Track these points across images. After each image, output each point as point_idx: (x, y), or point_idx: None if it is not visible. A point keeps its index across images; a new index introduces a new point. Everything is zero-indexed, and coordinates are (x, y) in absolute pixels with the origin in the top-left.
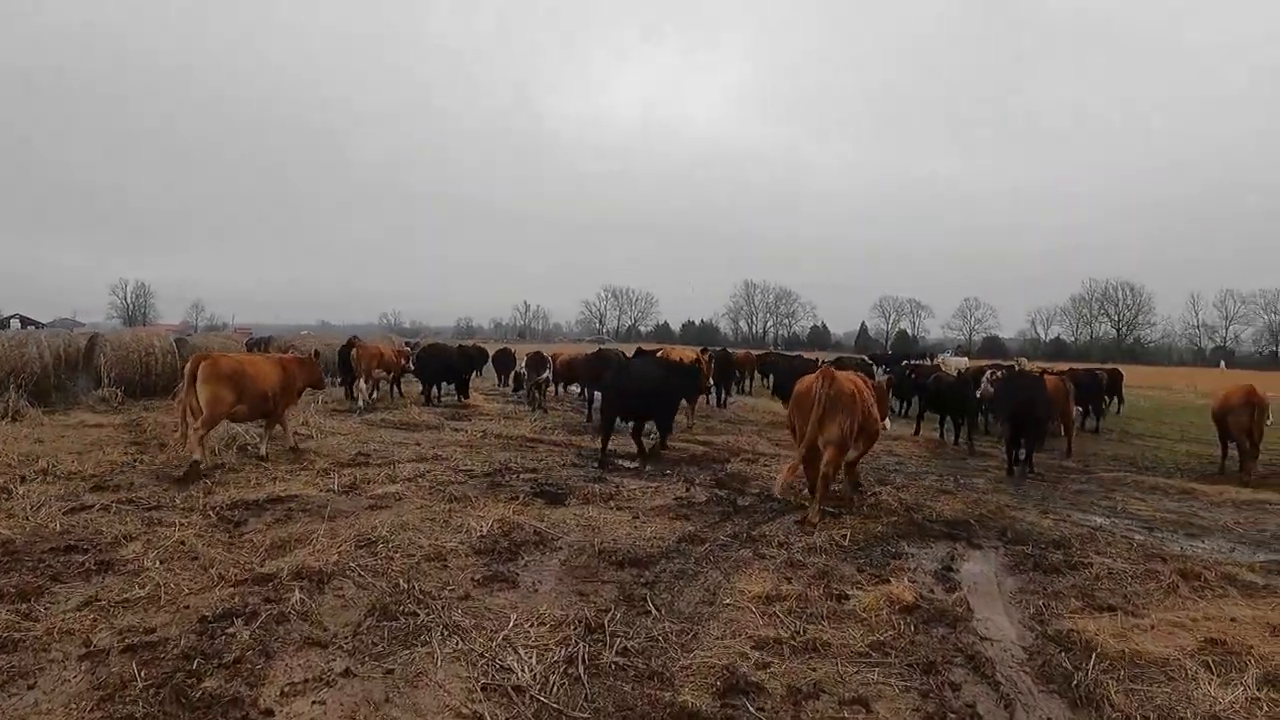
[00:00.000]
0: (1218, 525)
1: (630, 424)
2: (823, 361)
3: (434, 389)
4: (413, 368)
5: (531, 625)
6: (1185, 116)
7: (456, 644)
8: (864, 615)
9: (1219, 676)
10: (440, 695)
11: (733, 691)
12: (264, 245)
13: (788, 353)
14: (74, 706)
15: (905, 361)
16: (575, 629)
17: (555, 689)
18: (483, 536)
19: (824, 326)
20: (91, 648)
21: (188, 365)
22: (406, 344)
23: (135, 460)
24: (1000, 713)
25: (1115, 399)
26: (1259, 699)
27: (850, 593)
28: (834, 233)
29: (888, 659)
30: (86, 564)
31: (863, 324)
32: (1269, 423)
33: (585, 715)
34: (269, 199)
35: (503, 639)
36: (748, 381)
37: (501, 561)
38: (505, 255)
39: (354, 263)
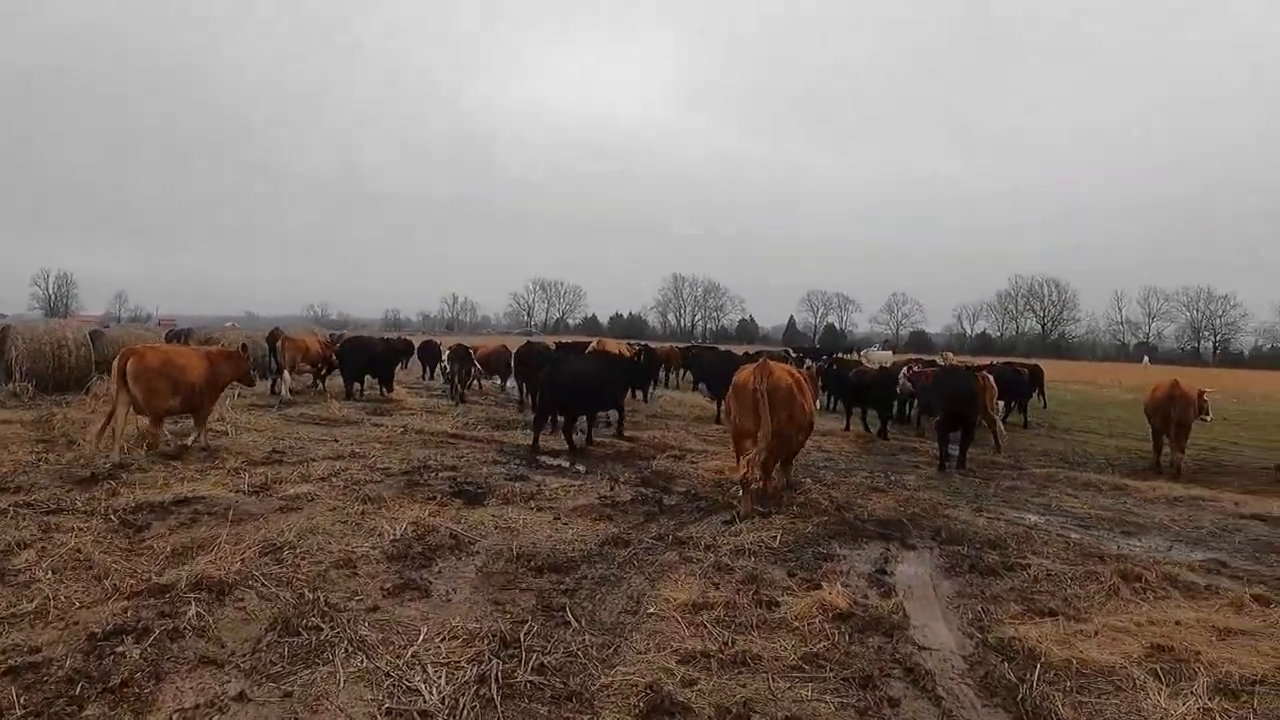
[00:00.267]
0: (1153, 522)
1: (562, 418)
2: (751, 354)
3: (357, 383)
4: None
5: (442, 639)
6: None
7: (361, 662)
8: (796, 624)
9: (1169, 686)
10: None
11: (657, 713)
12: (190, 237)
13: (711, 346)
14: None
15: (825, 356)
16: (489, 643)
17: (465, 713)
18: (396, 540)
19: (752, 320)
20: None
21: (115, 361)
22: (331, 336)
23: (40, 459)
24: None
25: (1037, 395)
26: (1211, 709)
27: (781, 599)
28: (756, 224)
29: (822, 673)
30: None
31: (790, 318)
32: (1208, 419)
33: None
34: (192, 189)
35: (411, 656)
36: (672, 376)
37: (414, 568)
38: (434, 248)
39: (281, 255)
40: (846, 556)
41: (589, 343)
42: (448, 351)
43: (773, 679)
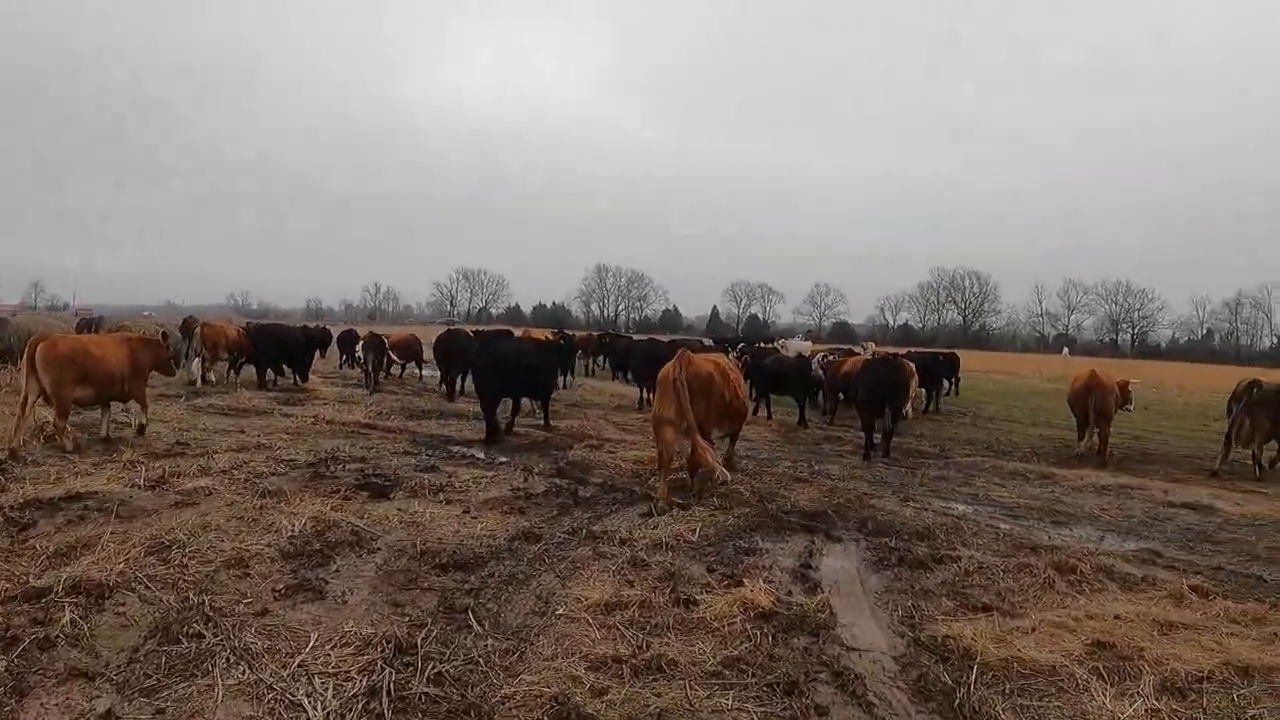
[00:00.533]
0: (1083, 511)
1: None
2: (674, 340)
3: (271, 372)
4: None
5: (333, 647)
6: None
7: (243, 674)
8: (715, 624)
9: (1113, 686)
10: None
11: None
12: (110, 225)
13: (623, 333)
14: None
15: (741, 345)
16: (383, 651)
17: None
18: (293, 537)
19: (675, 310)
20: None
21: (25, 349)
22: (248, 325)
23: None
24: None
25: (952, 382)
26: (1159, 710)
27: (700, 597)
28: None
29: (743, 678)
30: None
31: (714, 308)
32: (1129, 408)
33: None
34: (112, 177)
35: (298, 666)
36: (590, 364)
37: (311, 567)
38: (357, 237)
39: (203, 244)
40: (769, 550)
41: (508, 331)
42: (361, 340)
43: (690, 686)
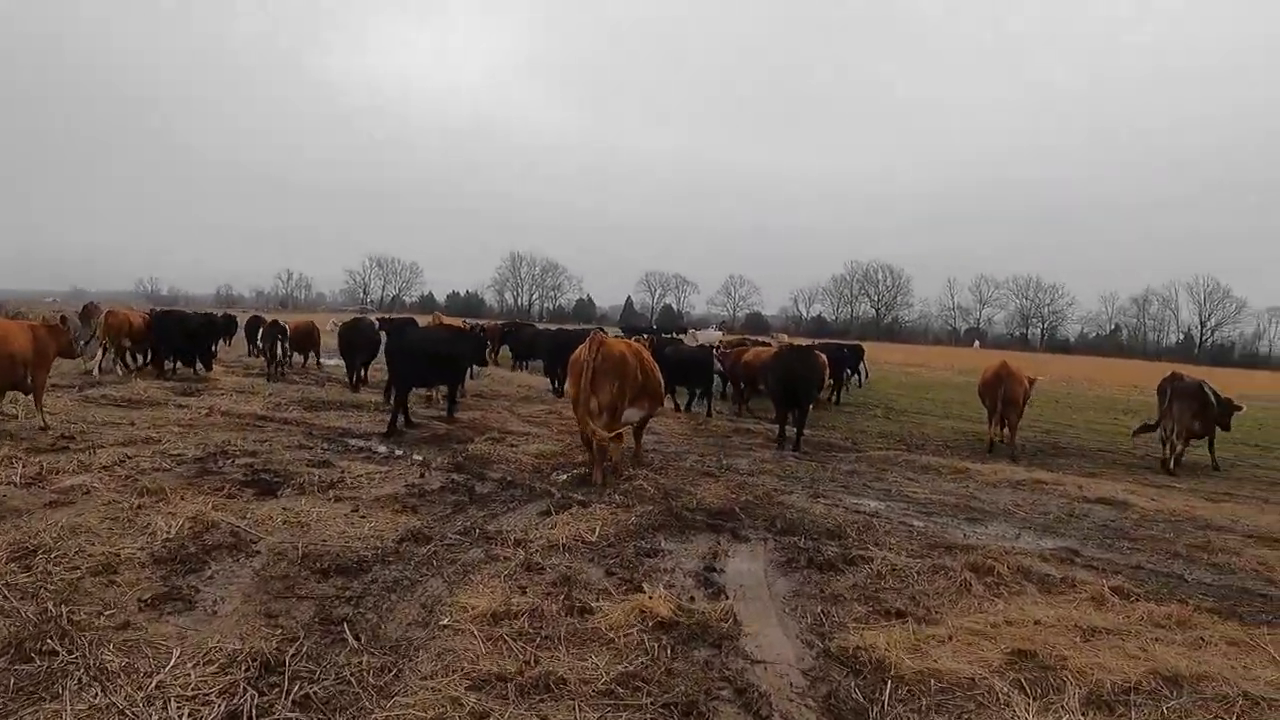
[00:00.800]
0: (998, 508)
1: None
2: (597, 330)
3: (171, 360)
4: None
5: (196, 665)
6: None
7: (95, 696)
8: (611, 635)
9: (1036, 700)
10: None
11: None
12: (14, 206)
13: (527, 322)
14: None
15: (647, 334)
16: (248, 669)
17: None
18: (168, 540)
19: (590, 300)
20: None
21: None
22: (151, 311)
23: None
24: None
25: (857, 373)
26: None
27: (596, 604)
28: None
29: (638, 697)
30: None
31: (628, 298)
32: (1029, 400)
33: None
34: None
35: (155, 687)
36: (494, 353)
37: (183, 573)
38: (267, 221)
39: (111, 227)
40: (672, 552)
41: (411, 319)
42: (261, 329)
43: (580, 707)
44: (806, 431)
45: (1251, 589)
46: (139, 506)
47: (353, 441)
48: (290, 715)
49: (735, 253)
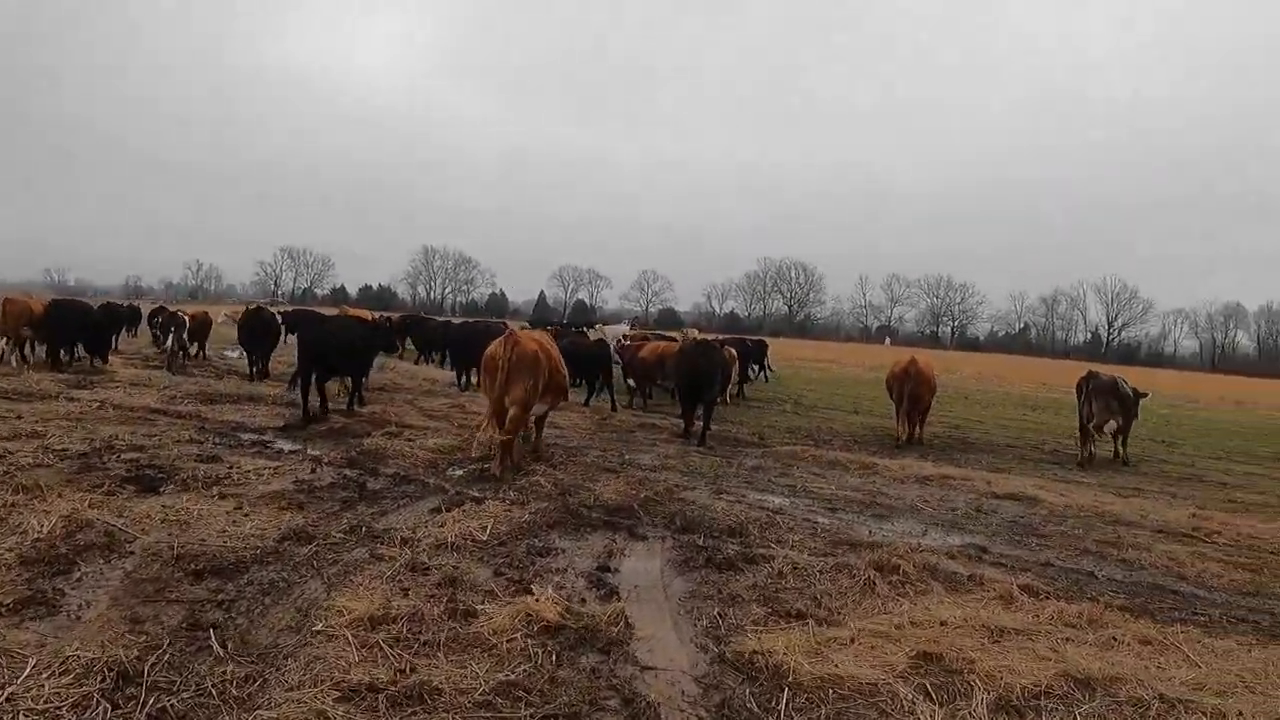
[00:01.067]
0: (905, 504)
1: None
2: (507, 324)
3: (66, 350)
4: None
5: (51, 676)
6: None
7: None
8: (494, 640)
9: (942, 706)
10: None
11: None
12: None
13: (428, 315)
14: None
15: (549, 327)
16: (104, 680)
17: None
18: (39, 540)
19: (502, 294)
20: None
21: None
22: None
23: None
24: None
25: (761, 368)
26: None
27: (480, 607)
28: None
29: (518, 708)
30: None
31: (541, 293)
32: (934, 394)
33: None
34: None
35: (5, 700)
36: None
37: (50, 575)
38: (179, 212)
39: (17, 213)
40: (566, 550)
41: (311, 311)
42: (159, 320)
43: None
44: (713, 427)
45: (1163, 585)
46: (13, 504)
47: (246, 436)
48: None
49: (650, 249)
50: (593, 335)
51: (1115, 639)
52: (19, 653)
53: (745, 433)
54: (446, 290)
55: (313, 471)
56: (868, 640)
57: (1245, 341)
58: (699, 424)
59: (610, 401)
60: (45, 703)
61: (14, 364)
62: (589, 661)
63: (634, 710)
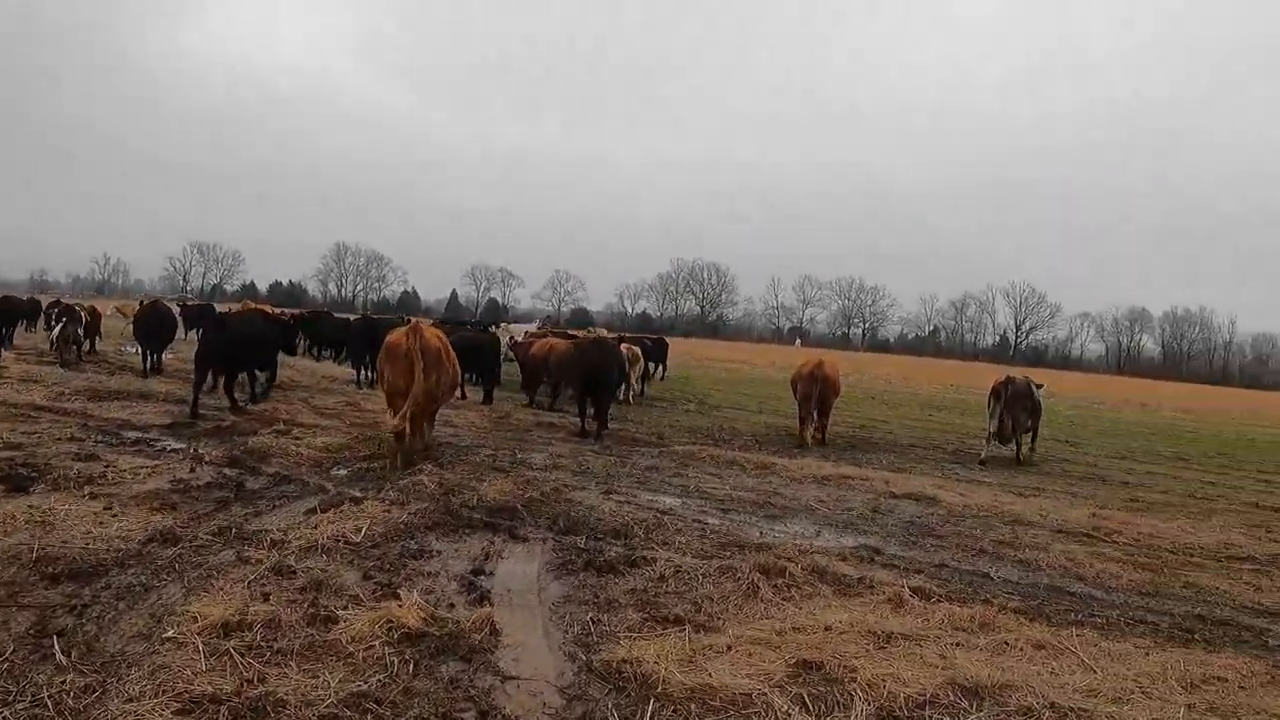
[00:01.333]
0: (800, 505)
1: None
2: (409, 319)
3: None
4: None
5: None
6: None
7: None
8: (350, 648)
9: (820, 717)
10: None
11: None
12: None
13: (327, 310)
14: None
15: (446, 323)
16: None
17: None
18: None
19: (414, 292)
20: None
21: None
22: None
23: None
24: None
25: (660, 367)
26: None
27: (342, 613)
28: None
29: None
30: None
31: (453, 291)
32: (839, 394)
33: None
34: None
35: None
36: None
37: None
38: (85, 204)
39: None
40: (442, 553)
41: (210, 306)
42: (54, 313)
43: None
44: (612, 426)
45: (1059, 586)
46: None
47: (130, 434)
48: None
49: (562, 247)
50: (501, 334)
51: (1008, 643)
52: None
53: (644, 432)
54: (358, 288)
55: (192, 470)
56: (746, 647)
57: (1150, 345)
58: (594, 423)
59: (488, 395)
60: None
61: None
62: (449, 671)
63: None
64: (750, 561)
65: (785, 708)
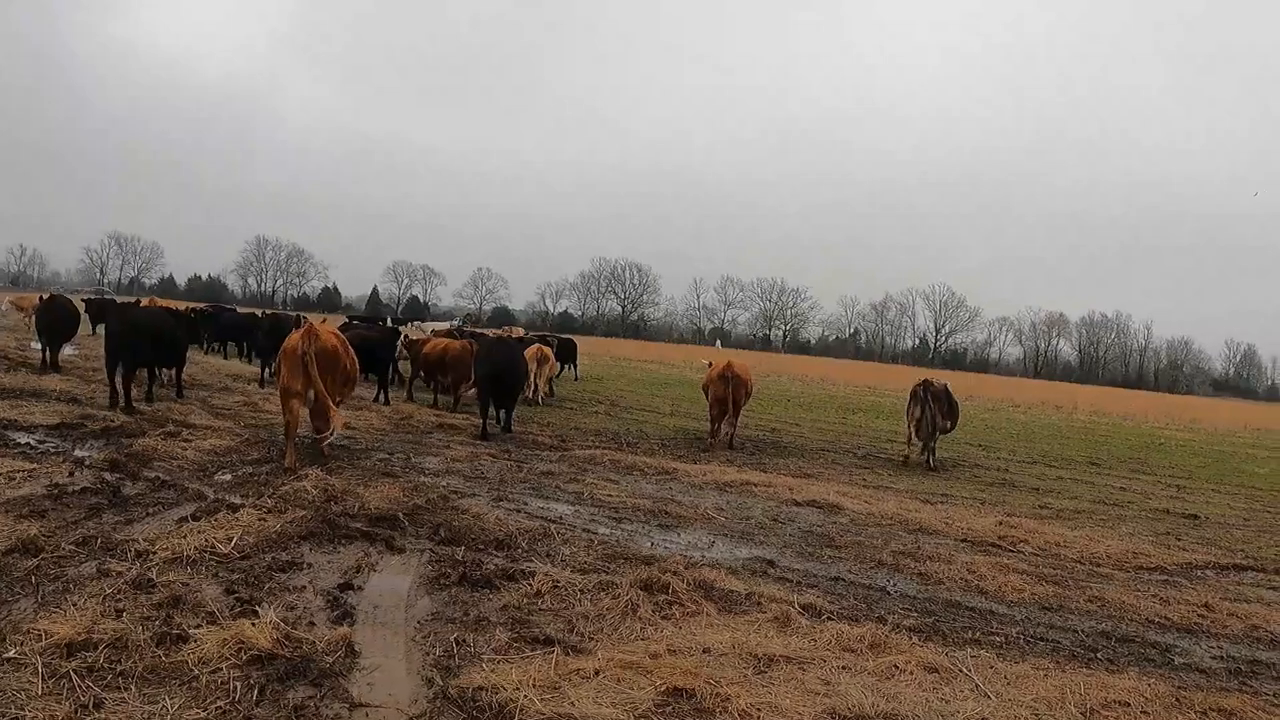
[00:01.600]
0: (698, 513)
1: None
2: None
3: None
4: None
5: None
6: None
7: None
8: (195, 671)
9: None
10: None
11: None
12: None
13: (230, 306)
14: None
15: (346, 321)
16: None
17: None
18: None
19: (335, 288)
20: None
21: None
22: None
23: None
24: None
25: (569, 367)
26: None
27: (195, 632)
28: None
29: None
30: None
31: (375, 288)
32: (750, 397)
33: None
34: None
35: None
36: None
37: None
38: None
39: None
40: (313, 565)
41: (112, 300)
42: None
43: None
44: (516, 428)
45: (959, 602)
46: None
47: (13, 435)
48: None
49: (486, 246)
50: (413, 332)
51: (898, 666)
52: None
53: (548, 435)
54: (278, 283)
55: (70, 475)
56: (615, 672)
57: (1068, 350)
58: (495, 425)
59: (381, 394)
60: None
61: None
62: (296, 697)
63: None
64: (630, 577)
65: None
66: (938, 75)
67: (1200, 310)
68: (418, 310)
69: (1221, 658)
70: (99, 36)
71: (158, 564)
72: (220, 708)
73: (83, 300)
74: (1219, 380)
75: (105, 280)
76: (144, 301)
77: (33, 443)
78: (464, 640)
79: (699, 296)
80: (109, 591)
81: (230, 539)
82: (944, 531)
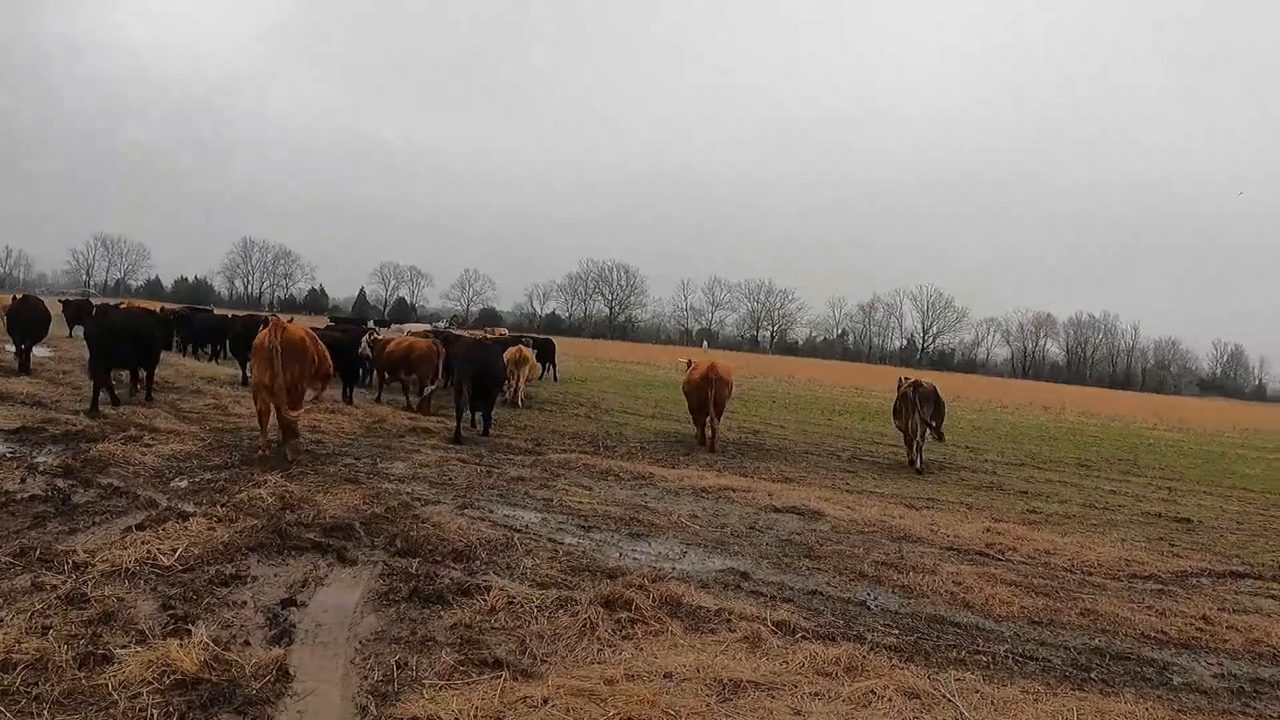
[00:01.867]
0: (671, 521)
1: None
2: (271, 316)
3: None
4: None
5: None
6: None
7: None
8: (115, 696)
9: None
10: None
11: None
12: None
13: (205, 307)
14: None
15: (328, 324)
16: None
17: None
18: None
19: (322, 290)
20: None
21: None
22: None
23: None
24: None
25: (548, 367)
26: None
27: (120, 652)
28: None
29: None
30: None
31: (361, 289)
32: (728, 398)
33: None
34: None
35: None
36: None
37: None
38: None
39: None
40: (259, 578)
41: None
42: None
43: None
44: (491, 431)
45: (943, 617)
46: None
47: None
48: None
49: (486, 246)
50: (395, 333)
51: (875, 692)
52: None
53: (523, 439)
54: (265, 285)
55: (22, 481)
56: (566, 700)
57: (1055, 350)
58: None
59: (345, 393)
60: None
61: None
62: None
63: None
64: (592, 592)
65: None
66: (938, 75)
67: (1200, 310)
68: (404, 312)
69: (1222, 675)
70: (75, 33)
71: (95, 577)
72: None
73: (60, 301)
74: (1206, 380)
75: (91, 282)
76: (123, 304)
77: None
78: (406, 663)
79: (686, 298)
80: (39, 607)
81: (175, 550)
82: (929, 539)
